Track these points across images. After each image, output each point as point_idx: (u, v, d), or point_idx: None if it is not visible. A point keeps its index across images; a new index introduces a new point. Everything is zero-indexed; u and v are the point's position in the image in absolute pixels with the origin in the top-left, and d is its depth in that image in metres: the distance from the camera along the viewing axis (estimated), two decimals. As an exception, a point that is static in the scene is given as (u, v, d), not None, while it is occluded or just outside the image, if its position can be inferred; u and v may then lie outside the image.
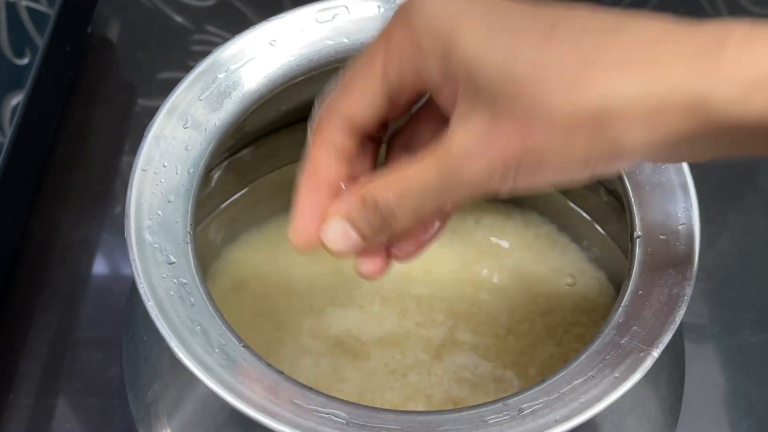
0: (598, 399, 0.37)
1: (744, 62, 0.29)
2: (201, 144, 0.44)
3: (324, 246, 0.37)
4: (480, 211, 0.55)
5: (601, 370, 0.38)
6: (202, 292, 0.39)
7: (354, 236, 0.36)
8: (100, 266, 0.57)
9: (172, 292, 0.39)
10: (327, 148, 0.37)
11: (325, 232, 0.36)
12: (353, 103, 0.37)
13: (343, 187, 0.37)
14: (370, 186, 0.36)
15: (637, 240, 0.42)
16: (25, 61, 0.56)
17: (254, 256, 0.54)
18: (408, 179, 0.34)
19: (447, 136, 0.33)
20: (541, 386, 0.38)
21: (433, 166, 0.33)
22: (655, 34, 0.31)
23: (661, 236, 0.42)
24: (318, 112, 0.38)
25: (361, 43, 0.47)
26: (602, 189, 0.50)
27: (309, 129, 0.39)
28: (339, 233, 0.36)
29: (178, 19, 0.68)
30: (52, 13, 0.58)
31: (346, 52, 0.47)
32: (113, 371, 0.53)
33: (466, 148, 0.32)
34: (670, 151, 0.31)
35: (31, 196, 0.58)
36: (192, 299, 0.39)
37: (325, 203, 0.37)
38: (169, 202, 0.42)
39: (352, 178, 0.37)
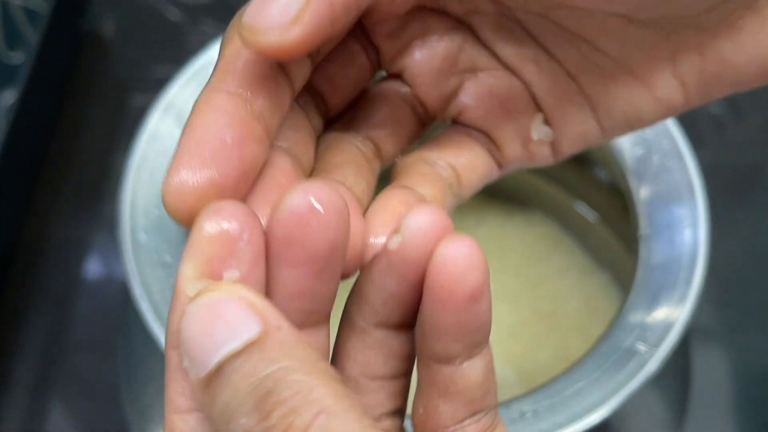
0: (602, 402, 0.37)
1: None
2: (197, 142, 0.43)
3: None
4: (482, 211, 0.55)
5: (606, 372, 0.38)
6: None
7: None
8: (94, 267, 0.57)
9: (167, 293, 0.38)
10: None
11: None
12: None
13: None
14: None
15: (642, 240, 0.41)
16: (19, 58, 0.56)
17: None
18: None
19: None
20: (545, 389, 0.37)
21: None
22: None
23: (666, 236, 0.41)
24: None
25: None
26: (608, 189, 0.50)
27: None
28: None
29: (173, 15, 0.68)
30: (45, 10, 0.58)
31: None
32: (107, 373, 0.52)
33: None
34: None
35: (24, 196, 0.58)
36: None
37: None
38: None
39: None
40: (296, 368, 0.19)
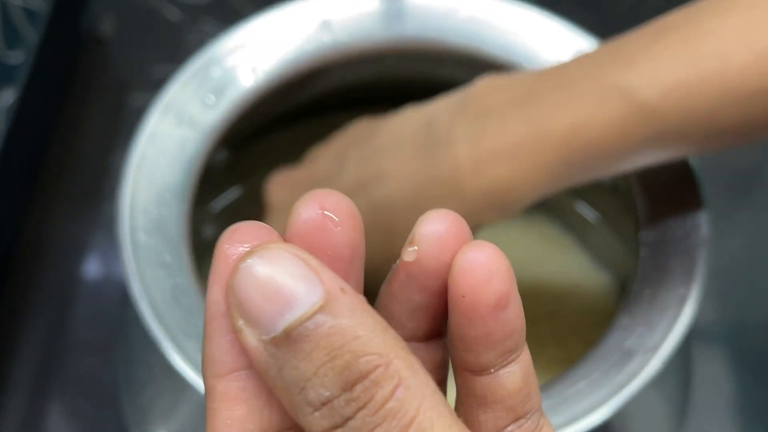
0: (602, 402, 0.37)
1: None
2: (196, 142, 0.43)
3: None
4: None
5: (606, 373, 0.38)
6: (197, 294, 0.39)
7: None
8: (93, 267, 0.57)
9: (166, 294, 0.38)
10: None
11: None
12: None
13: None
14: None
15: (642, 240, 0.41)
16: (19, 58, 0.55)
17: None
18: None
19: None
20: (545, 389, 0.37)
21: None
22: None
23: (667, 236, 0.41)
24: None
25: (360, 39, 0.46)
26: (608, 189, 0.49)
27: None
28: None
29: (172, 14, 0.67)
30: (45, 10, 0.58)
31: (345, 49, 0.46)
32: (106, 374, 0.52)
33: None
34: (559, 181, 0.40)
35: (24, 196, 0.58)
36: (187, 300, 0.39)
37: None
38: (164, 201, 0.41)
39: None
40: (372, 340, 0.19)
